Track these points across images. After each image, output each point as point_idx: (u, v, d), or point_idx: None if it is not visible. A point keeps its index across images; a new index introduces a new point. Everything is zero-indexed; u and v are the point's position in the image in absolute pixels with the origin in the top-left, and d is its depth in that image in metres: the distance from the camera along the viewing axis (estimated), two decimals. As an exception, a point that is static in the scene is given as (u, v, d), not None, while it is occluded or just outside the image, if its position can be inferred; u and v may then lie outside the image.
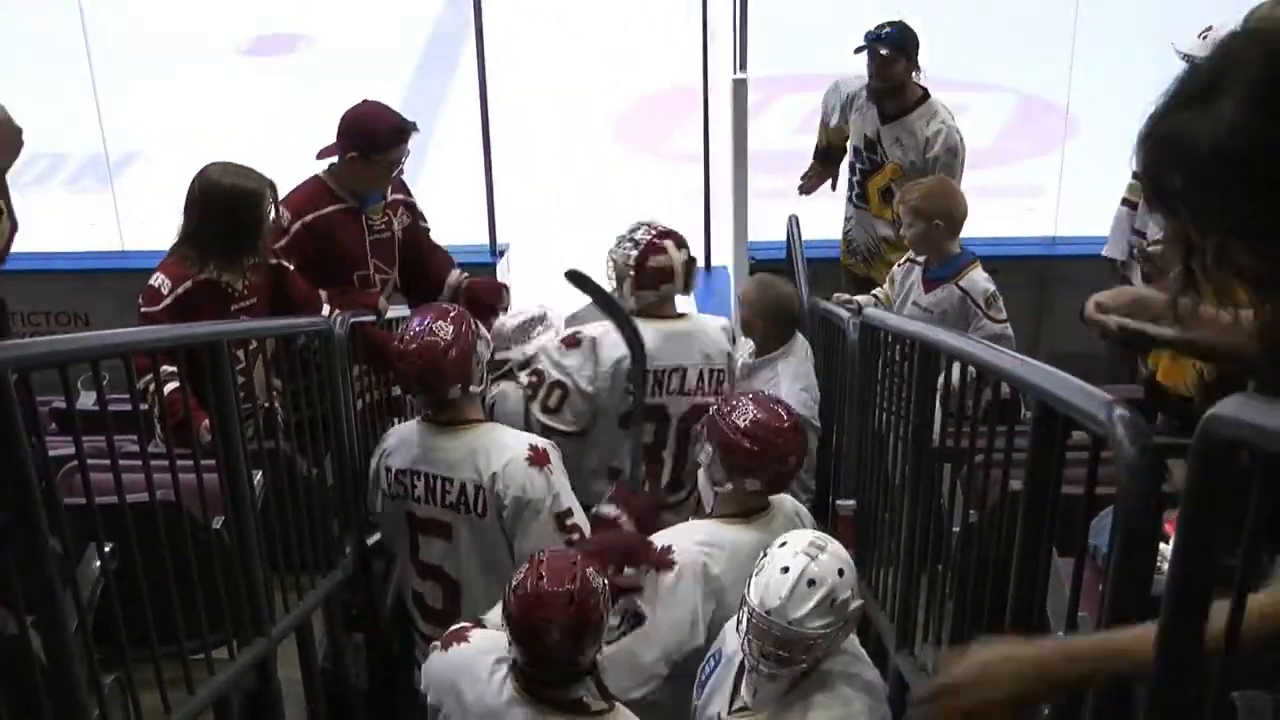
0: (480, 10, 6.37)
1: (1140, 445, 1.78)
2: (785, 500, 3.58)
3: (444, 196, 4.61)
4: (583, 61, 10.49)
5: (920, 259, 4.72)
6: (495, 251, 6.84)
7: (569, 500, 3.56)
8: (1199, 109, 1.48)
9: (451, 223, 5.57)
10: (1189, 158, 1.49)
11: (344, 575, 3.97)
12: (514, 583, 2.73)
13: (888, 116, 5.50)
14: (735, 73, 6.48)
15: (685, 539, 3.35)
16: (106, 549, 2.61)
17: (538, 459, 3.52)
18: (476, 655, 2.89)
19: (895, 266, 4.92)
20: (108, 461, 2.54)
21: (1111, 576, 1.80)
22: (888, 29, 5.39)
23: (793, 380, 4.60)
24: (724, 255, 7.35)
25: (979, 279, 4.55)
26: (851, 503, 4.44)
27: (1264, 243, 1.52)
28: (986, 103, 9.44)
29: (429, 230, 4.77)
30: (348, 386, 4.06)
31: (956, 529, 3.09)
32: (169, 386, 3.24)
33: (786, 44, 9.43)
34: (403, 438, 3.68)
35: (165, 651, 2.69)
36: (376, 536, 4.34)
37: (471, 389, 3.55)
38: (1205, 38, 4.48)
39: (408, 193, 4.66)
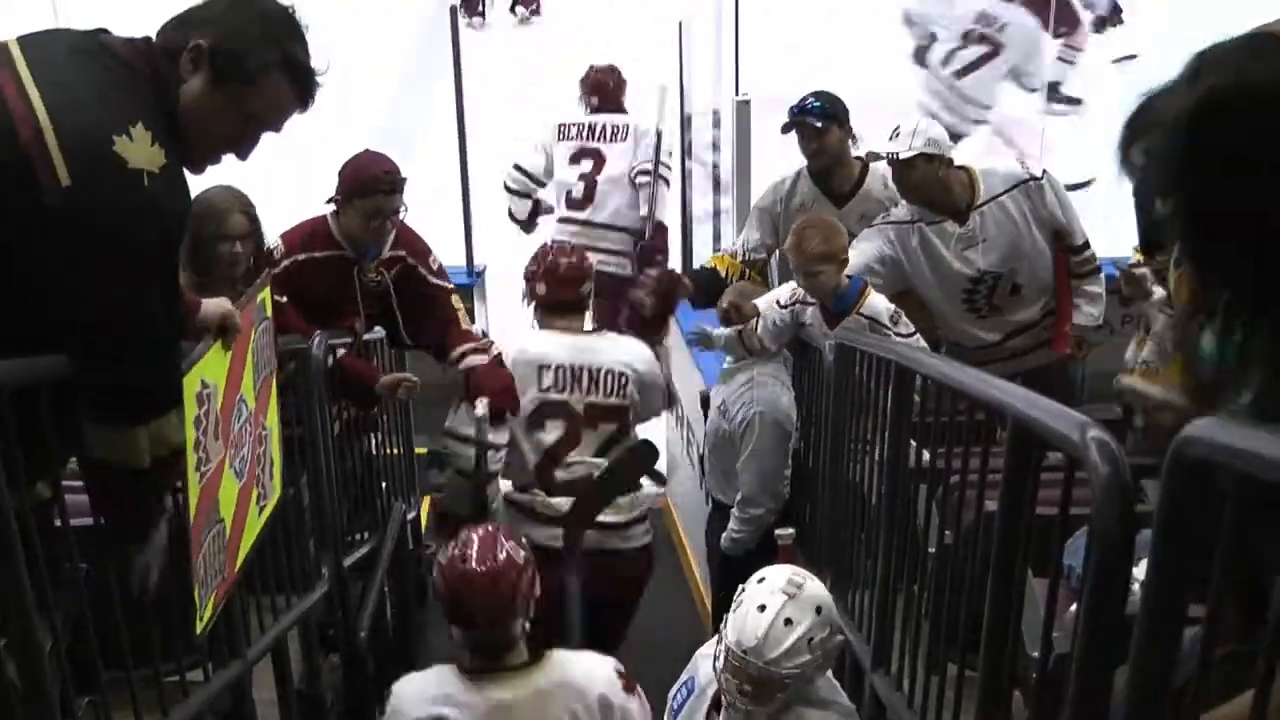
0: (457, 32, 6.40)
1: (1113, 466, 1.80)
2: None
3: (421, 218, 4.58)
4: (563, 82, 10.50)
5: (813, 300, 4.52)
6: (472, 273, 6.86)
7: None
8: (1177, 92, 1.39)
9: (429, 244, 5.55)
10: (1152, 127, 1.41)
11: (320, 596, 3.96)
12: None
13: (844, 197, 5.04)
14: (736, 95, 6.54)
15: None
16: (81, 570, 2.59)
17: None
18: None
19: (774, 310, 4.63)
20: (82, 483, 2.52)
21: (1085, 597, 1.81)
22: (811, 100, 4.94)
23: (774, 381, 4.62)
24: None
25: (878, 302, 4.44)
26: (790, 531, 4.46)
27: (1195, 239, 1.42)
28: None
29: (441, 287, 4.54)
30: (324, 407, 4.06)
31: (932, 550, 3.10)
32: None
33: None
34: None
35: (140, 674, 2.68)
36: (353, 558, 4.34)
37: None
38: (895, 137, 4.50)
39: (413, 250, 4.50)
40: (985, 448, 2.56)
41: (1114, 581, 1.77)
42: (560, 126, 6.84)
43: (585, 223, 6.70)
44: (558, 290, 4.47)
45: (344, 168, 4.35)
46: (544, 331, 4.50)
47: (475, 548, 3.00)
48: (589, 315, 4.79)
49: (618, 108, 6.85)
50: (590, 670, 3.09)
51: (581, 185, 6.71)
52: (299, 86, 2.45)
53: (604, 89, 6.86)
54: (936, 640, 2.89)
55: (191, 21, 2.37)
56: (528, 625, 3.06)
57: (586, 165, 6.72)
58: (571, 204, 6.75)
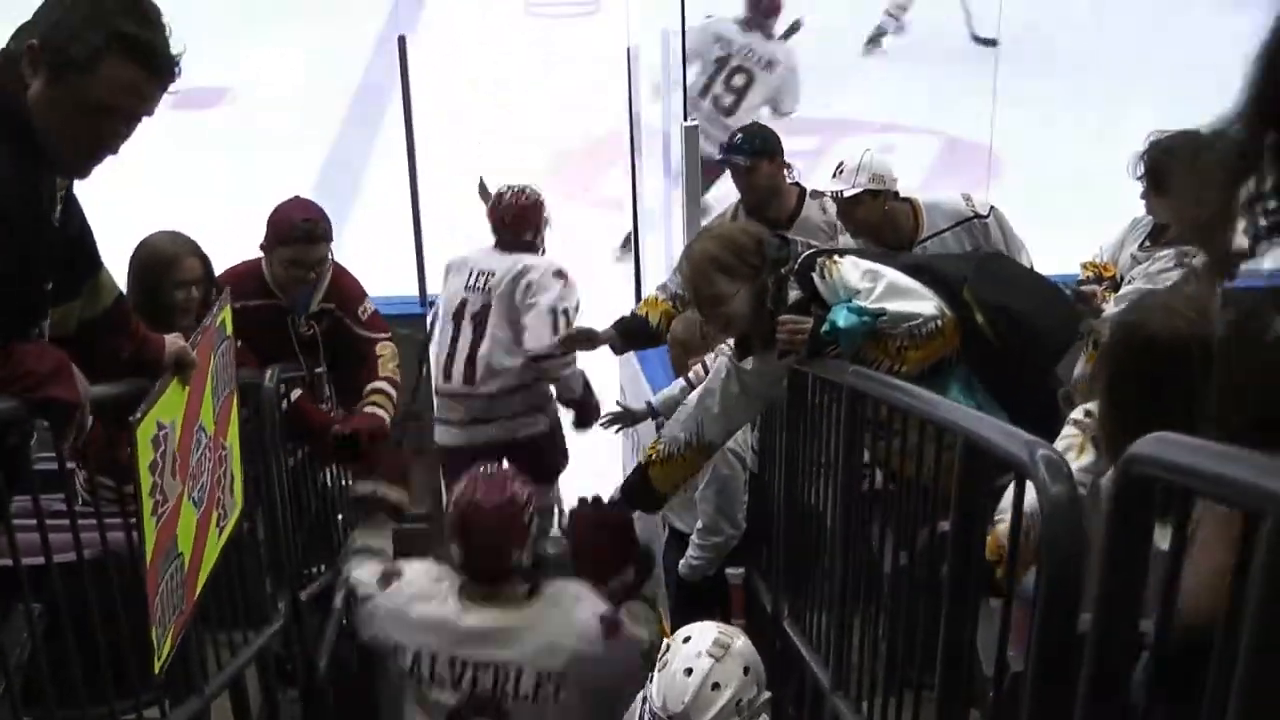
0: (405, 61, 6.39)
1: (1063, 484, 1.82)
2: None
3: (373, 248, 4.54)
4: (511, 111, 10.52)
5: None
6: (424, 303, 6.82)
7: None
8: None
9: (380, 274, 5.52)
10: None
11: (277, 630, 3.93)
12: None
13: (782, 227, 4.69)
14: (685, 120, 6.52)
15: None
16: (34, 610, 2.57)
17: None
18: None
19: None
20: (34, 521, 2.51)
21: (1038, 614, 1.83)
22: (739, 137, 4.95)
23: None
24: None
25: None
26: (740, 570, 4.45)
27: None
28: (913, 145, 9.57)
29: (367, 338, 4.47)
30: (278, 441, 4.04)
31: (888, 571, 3.11)
32: None
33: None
34: None
35: (96, 713, 2.65)
36: (310, 590, 4.31)
37: None
38: (839, 174, 4.43)
39: (343, 300, 4.45)
40: (938, 468, 2.57)
41: (1065, 599, 1.79)
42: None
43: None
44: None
45: (271, 214, 4.31)
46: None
47: (484, 482, 3.29)
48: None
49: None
50: (570, 620, 3.28)
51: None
52: (143, 61, 2.30)
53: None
54: (894, 661, 2.91)
55: (28, 25, 2.31)
56: (525, 559, 3.29)
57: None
58: None
